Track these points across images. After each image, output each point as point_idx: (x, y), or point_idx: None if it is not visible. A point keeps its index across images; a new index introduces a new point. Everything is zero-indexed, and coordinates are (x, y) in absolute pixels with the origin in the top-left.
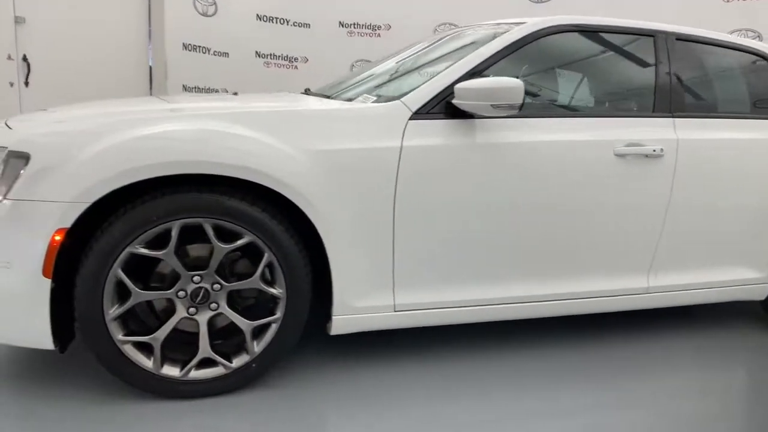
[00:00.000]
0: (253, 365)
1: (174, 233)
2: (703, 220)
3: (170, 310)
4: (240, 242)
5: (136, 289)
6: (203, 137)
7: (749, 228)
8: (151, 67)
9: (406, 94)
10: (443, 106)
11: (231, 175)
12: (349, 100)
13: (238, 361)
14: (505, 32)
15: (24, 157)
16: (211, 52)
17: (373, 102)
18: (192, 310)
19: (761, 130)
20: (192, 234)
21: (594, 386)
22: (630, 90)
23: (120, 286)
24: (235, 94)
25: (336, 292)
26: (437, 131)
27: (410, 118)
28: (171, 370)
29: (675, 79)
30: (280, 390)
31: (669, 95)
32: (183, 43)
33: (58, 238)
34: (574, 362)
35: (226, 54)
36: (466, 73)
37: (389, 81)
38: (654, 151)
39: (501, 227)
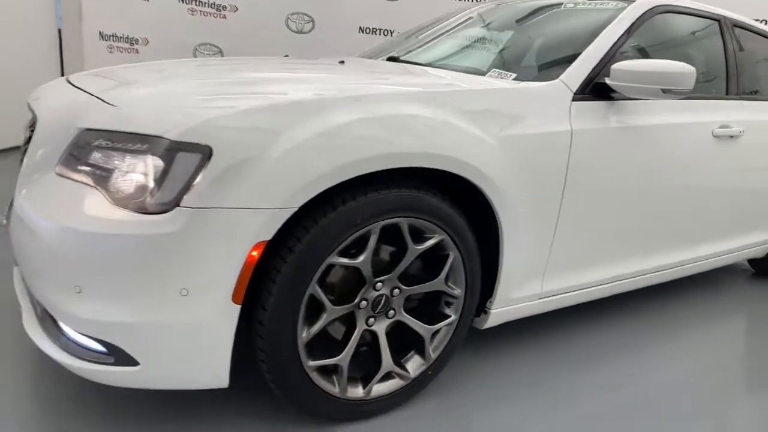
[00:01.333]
0: (429, 372)
1: (373, 237)
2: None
3: (347, 325)
4: (431, 242)
5: (331, 305)
6: (419, 124)
7: None
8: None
9: (540, 71)
10: (592, 87)
11: (442, 167)
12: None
13: (414, 370)
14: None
15: (200, 152)
16: None
17: (513, 79)
18: (371, 320)
19: None
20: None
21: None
22: (709, 72)
23: (311, 304)
24: (286, 56)
25: (501, 284)
26: (595, 113)
27: (572, 100)
28: (354, 392)
29: (740, 64)
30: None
31: (737, 79)
32: None
33: (254, 254)
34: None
35: None
36: (606, 54)
37: (481, 54)
38: (739, 132)
39: (640, 207)
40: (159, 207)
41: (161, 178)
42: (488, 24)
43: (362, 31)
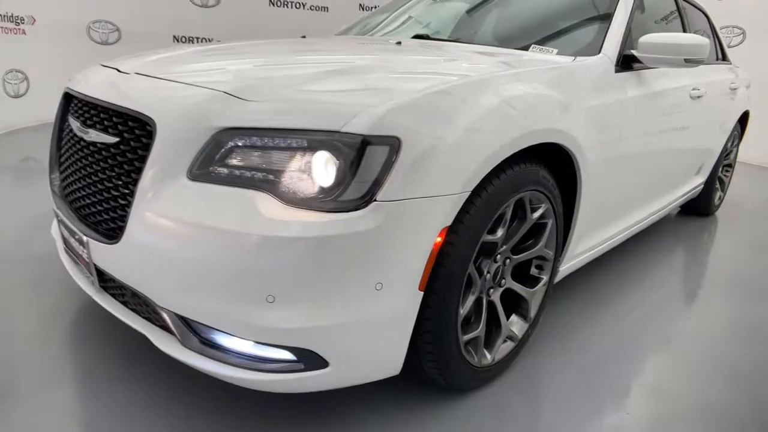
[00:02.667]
0: (530, 332)
1: (509, 212)
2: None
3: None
4: (540, 211)
5: (480, 281)
6: (547, 102)
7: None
8: None
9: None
10: (620, 59)
11: (557, 141)
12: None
13: (519, 332)
14: None
15: (389, 144)
16: None
17: (556, 54)
18: (491, 290)
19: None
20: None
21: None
22: None
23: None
24: (304, 37)
25: (572, 242)
26: (627, 82)
27: (615, 71)
28: (485, 359)
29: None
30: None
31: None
32: None
33: (439, 239)
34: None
35: None
36: (626, 27)
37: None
38: (704, 93)
39: (654, 160)
40: (353, 204)
41: (350, 174)
42: (488, 3)
43: (272, 4)
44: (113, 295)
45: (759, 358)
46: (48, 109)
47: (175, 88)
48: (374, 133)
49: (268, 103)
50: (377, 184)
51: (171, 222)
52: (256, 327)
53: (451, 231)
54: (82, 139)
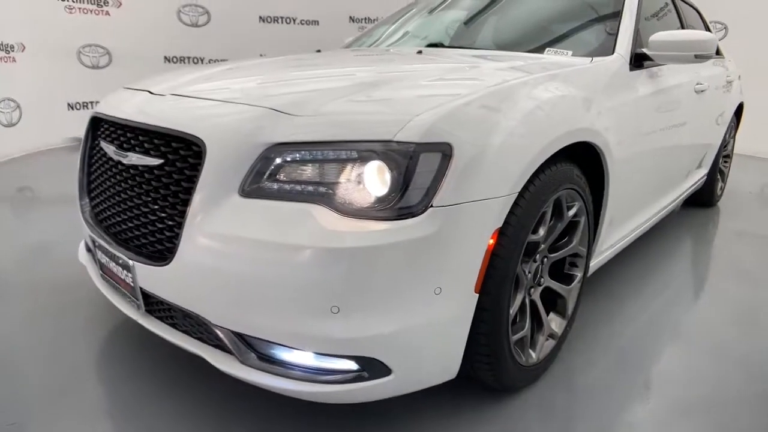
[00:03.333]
0: (568, 329)
1: (548, 212)
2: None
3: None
4: (574, 209)
5: (528, 278)
6: (578, 103)
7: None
8: None
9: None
10: (633, 57)
11: (589, 139)
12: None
13: (558, 329)
14: None
15: (441, 150)
16: None
17: (572, 55)
18: (532, 290)
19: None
20: None
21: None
22: None
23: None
24: (318, 51)
25: (601, 238)
26: (640, 79)
27: (629, 70)
28: (531, 358)
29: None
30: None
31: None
32: None
33: (491, 241)
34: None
35: None
36: (635, 27)
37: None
38: (707, 87)
39: (668, 153)
40: (410, 211)
41: (406, 182)
42: (493, 8)
43: (263, 20)
44: (160, 318)
45: (765, 346)
46: (41, 137)
47: (219, 107)
48: (427, 141)
49: (316, 117)
50: (432, 190)
51: (226, 240)
52: (320, 338)
53: (501, 233)
54: (119, 162)
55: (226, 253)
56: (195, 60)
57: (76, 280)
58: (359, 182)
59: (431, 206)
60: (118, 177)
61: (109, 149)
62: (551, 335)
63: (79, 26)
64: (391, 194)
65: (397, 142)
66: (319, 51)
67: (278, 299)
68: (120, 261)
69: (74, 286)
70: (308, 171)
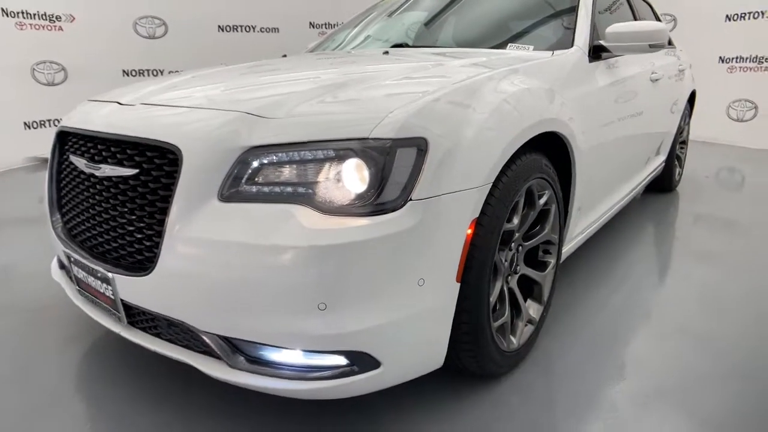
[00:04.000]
0: (545, 314)
1: (521, 201)
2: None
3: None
4: (545, 197)
5: (505, 266)
6: (543, 95)
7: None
8: None
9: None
10: (591, 49)
11: (555, 129)
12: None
13: (536, 314)
14: None
15: (417, 145)
16: None
17: (533, 50)
18: (509, 278)
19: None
20: None
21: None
22: None
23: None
24: (285, 56)
25: (570, 225)
26: (598, 69)
27: (589, 62)
28: (512, 344)
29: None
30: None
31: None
32: None
33: (469, 231)
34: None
35: None
36: (592, 19)
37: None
38: (661, 76)
39: (629, 139)
40: (390, 205)
41: (384, 177)
42: (452, 6)
43: (222, 30)
44: (143, 329)
45: (729, 324)
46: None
47: (192, 114)
48: (402, 136)
49: (290, 119)
50: (410, 184)
51: (208, 245)
52: (309, 336)
53: (478, 222)
54: (92, 175)
55: (208, 259)
56: (154, 72)
57: (47, 298)
58: (338, 180)
59: (410, 200)
60: (91, 190)
61: (80, 163)
62: (530, 321)
63: (31, 43)
64: (370, 190)
65: (374, 138)
66: (285, 56)
67: (264, 300)
68: (98, 274)
69: (47, 305)
70: (286, 172)
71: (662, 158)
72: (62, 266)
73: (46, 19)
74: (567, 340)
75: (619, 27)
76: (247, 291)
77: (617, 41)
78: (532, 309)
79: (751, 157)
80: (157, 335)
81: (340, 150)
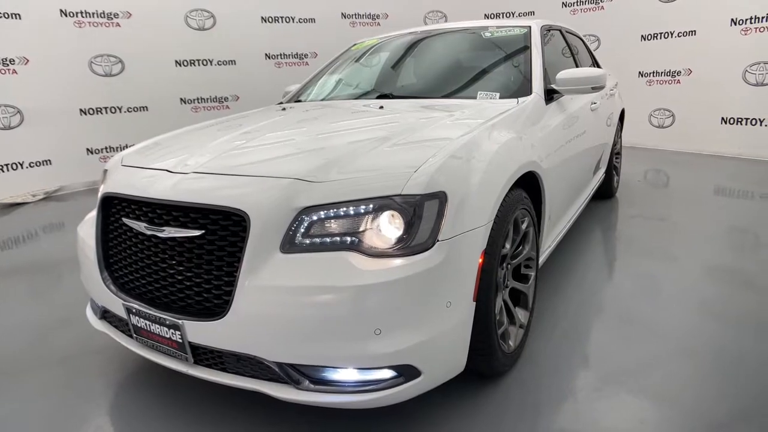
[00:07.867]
0: (531, 318)
1: (511, 229)
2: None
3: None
4: (525, 223)
5: (505, 286)
6: (519, 143)
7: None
8: None
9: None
10: (547, 92)
11: (532, 169)
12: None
13: (524, 320)
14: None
15: (439, 197)
16: None
17: (500, 98)
18: (503, 292)
19: None
20: None
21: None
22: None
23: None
24: (284, 109)
25: (542, 241)
26: (553, 110)
27: (545, 104)
28: (510, 346)
29: (579, 59)
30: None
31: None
32: None
33: (480, 260)
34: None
35: None
36: (543, 67)
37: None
38: (599, 105)
39: (579, 163)
40: (422, 247)
41: (417, 225)
42: (420, 56)
43: (265, 21)
44: (209, 365)
45: (668, 311)
46: None
47: (253, 182)
48: (428, 191)
49: (336, 182)
50: (436, 228)
51: (275, 290)
52: (367, 357)
53: (486, 252)
54: (154, 236)
55: (277, 302)
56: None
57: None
58: (379, 229)
59: (438, 241)
60: (153, 249)
61: (137, 225)
62: (521, 326)
63: (89, 39)
64: (405, 235)
65: (405, 195)
66: (283, 108)
67: (328, 331)
68: (167, 322)
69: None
70: (337, 225)
71: (603, 169)
72: (102, 316)
73: (104, 17)
74: (544, 338)
75: (567, 74)
76: (312, 325)
77: (565, 85)
78: (521, 315)
79: (671, 159)
80: (223, 369)
81: (378, 204)
